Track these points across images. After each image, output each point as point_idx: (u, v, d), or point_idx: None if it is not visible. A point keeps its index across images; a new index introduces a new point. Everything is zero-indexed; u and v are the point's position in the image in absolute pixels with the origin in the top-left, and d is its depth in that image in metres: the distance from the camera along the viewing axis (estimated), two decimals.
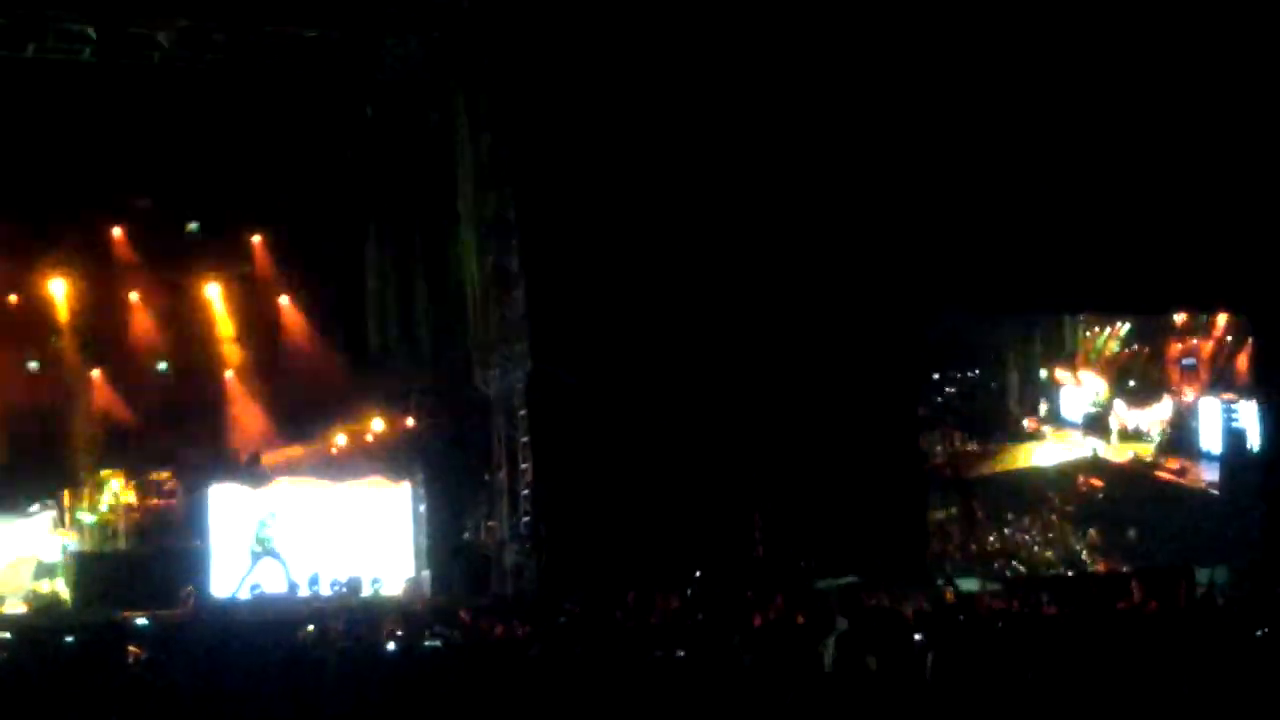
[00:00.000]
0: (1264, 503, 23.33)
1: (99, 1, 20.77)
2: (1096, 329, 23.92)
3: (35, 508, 21.58)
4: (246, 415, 24.31)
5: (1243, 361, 24.03)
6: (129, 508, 22.00)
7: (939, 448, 23.11)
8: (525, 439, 22.20)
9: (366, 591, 21.52)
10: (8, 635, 15.23)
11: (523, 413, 22.22)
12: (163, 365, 24.26)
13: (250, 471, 23.09)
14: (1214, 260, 22.79)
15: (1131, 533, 22.91)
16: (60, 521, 21.54)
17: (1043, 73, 22.02)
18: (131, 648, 12.97)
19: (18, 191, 22.36)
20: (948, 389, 23.56)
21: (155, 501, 22.21)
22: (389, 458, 23.74)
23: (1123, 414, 23.72)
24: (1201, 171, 22.48)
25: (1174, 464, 23.62)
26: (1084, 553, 22.94)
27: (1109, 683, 9.98)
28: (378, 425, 24.17)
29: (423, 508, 22.98)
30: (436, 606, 19.39)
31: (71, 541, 21.37)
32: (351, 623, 15.62)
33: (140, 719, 10.38)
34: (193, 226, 24.27)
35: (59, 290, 23.90)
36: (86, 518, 21.73)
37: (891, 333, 22.65)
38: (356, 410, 24.28)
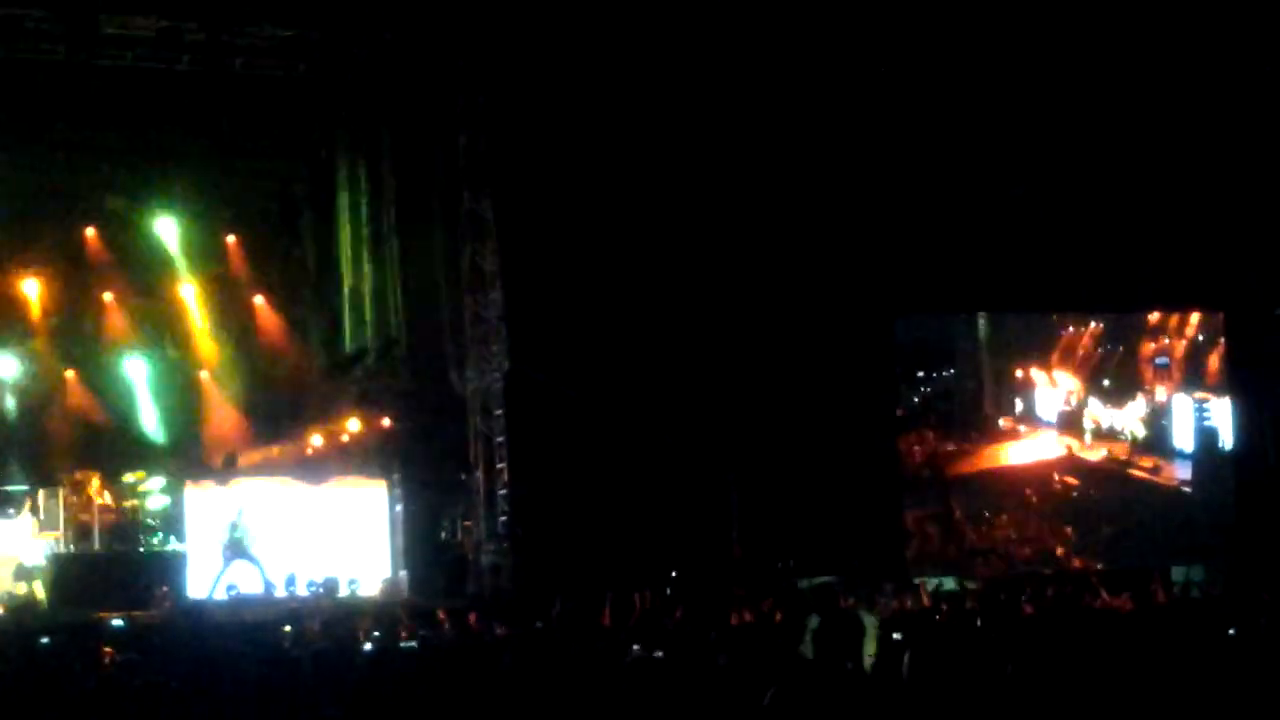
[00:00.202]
0: (1235, 500, 23.47)
1: (73, 1, 20.69)
2: (1071, 328, 23.99)
3: (11, 510, 21.51)
4: (222, 416, 24.22)
5: (1214, 361, 24.15)
6: (104, 508, 21.92)
7: (916, 448, 23.14)
8: (502, 439, 22.19)
9: (343, 592, 21.48)
10: None
11: (499, 413, 22.20)
12: (137, 365, 24.15)
13: (226, 472, 23.03)
14: (1188, 259, 22.90)
15: (1106, 530, 23.03)
16: (44, 525, 21.46)
17: (1015, 72, 22.09)
18: (106, 649, 12.93)
19: None
20: (924, 389, 23.60)
21: (131, 502, 22.14)
22: (365, 458, 23.69)
23: (1097, 413, 23.80)
24: (1175, 171, 22.57)
25: (1148, 462, 23.74)
26: (1060, 550, 23.03)
27: (1086, 681, 9.99)
28: (354, 425, 24.11)
29: (399, 508, 22.95)
30: (413, 607, 19.37)
31: (52, 543, 21.30)
32: (328, 623, 15.60)
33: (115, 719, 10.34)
34: (165, 226, 24.17)
35: (32, 290, 23.78)
36: (61, 518, 21.63)
37: (866, 333, 22.70)
38: (332, 410, 24.22)
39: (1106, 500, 23.33)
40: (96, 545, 21.71)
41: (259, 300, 24.68)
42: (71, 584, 20.55)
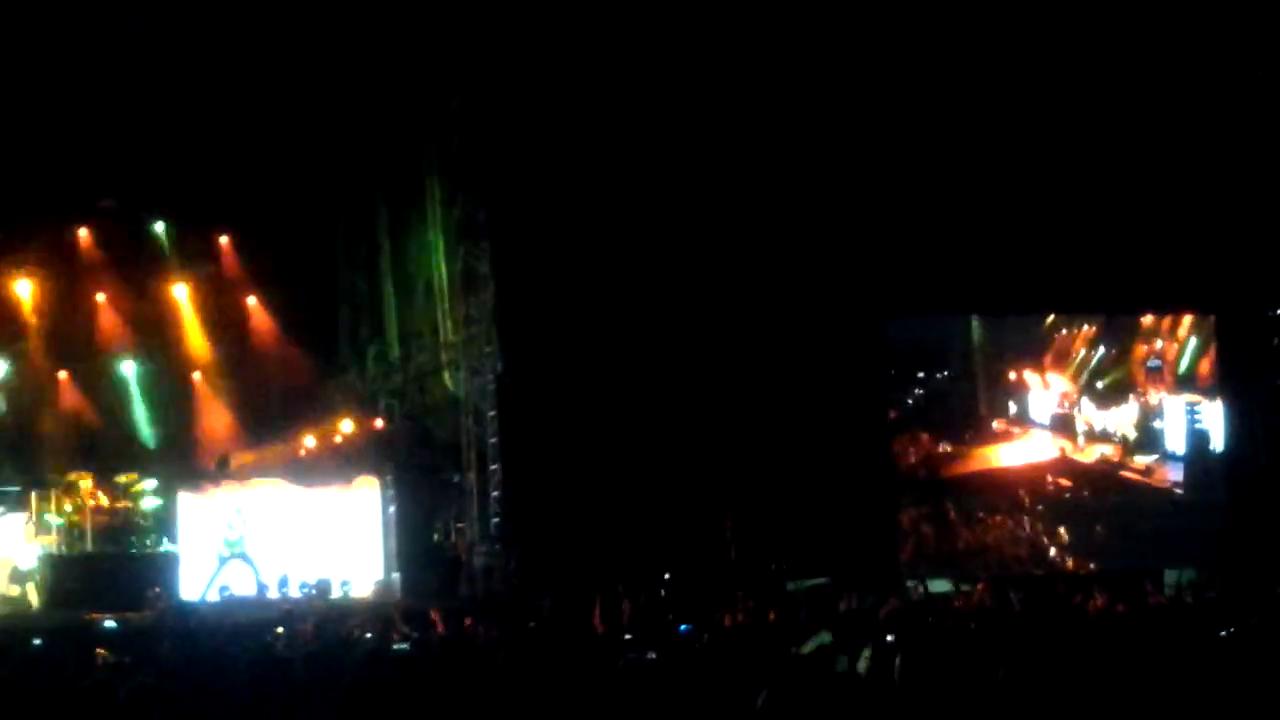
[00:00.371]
0: (1227, 501, 23.52)
1: (67, 1, 20.68)
2: (1064, 331, 24.02)
3: (2, 510, 21.49)
4: (214, 416, 24.23)
5: (1205, 364, 24.20)
6: (97, 510, 21.90)
7: (911, 449, 23.17)
8: (494, 440, 22.19)
9: (336, 593, 21.48)
10: None
11: (492, 414, 22.20)
12: (130, 366, 24.14)
13: (219, 473, 23.02)
14: (1180, 262, 22.92)
15: (1099, 531, 23.08)
16: (38, 527, 21.44)
17: (1008, 74, 22.09)
18: (99, 650, 12.91)
19: None
20: (918, 391, 23.62)
21: (123, 504, 22.13)
22: (358, 459, 23.70)
23: (1089, 415, 23.83)
24: (1168, 174, 22.58)
25: (1140, 464, 23.77)
26: (1053, 551, 23.09)
27: (1079, 684, 10.00)
28: (347, 426, 24.12)
29: (392, 509, 22.95)
30: (406, 608, 19.36)
31: (47, 546, 21.28)
32: (320, 625, 15.59)
33: None
34: (158, 227, 24.15)
35: (25, 291, 23.77)
36: (54, 520, 21.61)
37: (860, 335, 22.70)
38: (325, 411, 24.23)
39: (1099, 502, 23.37)
40: (89, 547, 21.70)
41: (252, 301, 24.69)
42: (64, 586, 20.54)
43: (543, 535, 21.47)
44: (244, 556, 21.46)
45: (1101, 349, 24.12)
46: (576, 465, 21.48)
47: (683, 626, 14.18)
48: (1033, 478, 23.33)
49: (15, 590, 20.69)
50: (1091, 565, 22.56)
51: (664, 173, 21.80)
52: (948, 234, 22.32)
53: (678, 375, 21.80)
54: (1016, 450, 23.36)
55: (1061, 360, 23.99)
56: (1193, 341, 24.24)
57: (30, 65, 21.50)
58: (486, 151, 22.12)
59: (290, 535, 22.10)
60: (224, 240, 24.65)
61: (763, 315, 22.17)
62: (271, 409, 24.30)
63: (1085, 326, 24.13)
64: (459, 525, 22.78)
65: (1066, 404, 23.81)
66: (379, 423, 24.11)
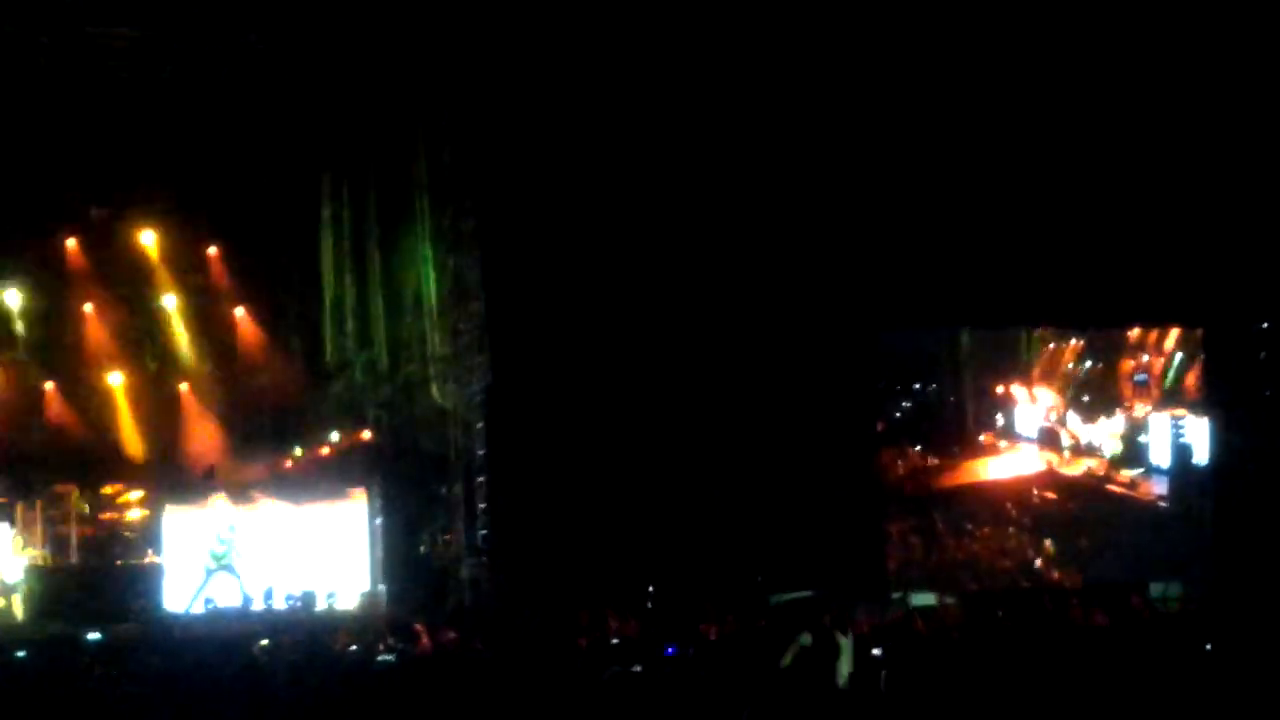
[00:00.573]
0: (1210, 515, 23.60)
1: (53, 10, 20.65)
2: (1052, 345, 24.09)
3: None
4: (202, 428, 24.18)
5: (1191, 378, 24.28)
6: (83, 521, 21.87)
7: (899, 462, 23.23)
8: (482, 452, 22.18)
9: (321, 605, 21.46)
10: None
11: (480, 426, 22.20)
12: (117, 377, 24.10)
13: (205, 485, 22.99)
14: (1168, 276, 22.96)
15: (1085, 543, 23.16)
16: (31, 542, 21.41)
17: (996, 90, 22.14)
18: (84, 662, 12.92)
19: None
20: (905, 404, 23.67)
21: (109, 515, 22.09)
22: (345, 470, 23.67)
23: (1076, 429, 23.89)
24: (1156, 189, 22.63)
25: (1125, 477, 23.84)
26: (1039, 563, 23.15)
27: (1065, 695, 10.05)
28: (334, 438, 24.09)
29: (378, 521, 22.93)
30: (392, 620, 19.36)
31: (33, 558, 21.25)
32: (306, 637, 15.60)
33: None
34: (146, 237, 24.12)
35: (13, 301, 23.74)
36: (40, 531, 21.57)
37: (848, 347, 22.72)
38: (313, 423, 24.21)
39: (1085, 514, 23.42)
40: (75, 558, 21.66)
41: (240, 312, 24.65)
42: (49, 597, 20.50)
43: (529, 547, 21.45)
44: (229, 568, 21.43)
45: (1088, 363, 24.19)
46: (564, 477, 21.47)
47: (670, 649, 14.19)
48: (1020, 491, 23.39)
49: (1, 602, 20.64)
50: (1078, 578, 22.61)
51: (654, 186, 21.81)
52: (936, 247, 22.34)
53: (665, 388, 21.81)
54: (1004, 463, 23.42)
55: (1048, 374, 24.05)
56: (1179, 356, 24.30)
57: (16, 75, 21.49)
58: (476, 163, 22.12)
59: (276, 547, 22.07)
60: (212, 251, 24.60)
61: (751, 328, 22.18)
62: (259, 420, 24.25)
63: (1072, 341, 24.20)
64: (446, 537, 22.77)
65: (1053, 418, 23.88)
66: (367, 434, 24.08)
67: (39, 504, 21.78)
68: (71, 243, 23.90)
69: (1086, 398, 23.99)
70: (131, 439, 23.86)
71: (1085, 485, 23.59)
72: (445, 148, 22.34)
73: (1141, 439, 23.95)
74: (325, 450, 24.13)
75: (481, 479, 22.12)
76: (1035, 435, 23.67)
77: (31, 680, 12.57)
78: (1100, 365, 24.22)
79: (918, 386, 23.81)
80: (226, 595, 21.18)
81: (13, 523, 21.52)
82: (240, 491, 22.81)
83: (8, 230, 23.12)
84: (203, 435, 24.20)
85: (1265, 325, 24.27)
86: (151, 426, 23.99)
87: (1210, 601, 20.08)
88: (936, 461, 23.28)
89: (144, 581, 21.01)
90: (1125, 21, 21.83)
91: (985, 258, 22.43)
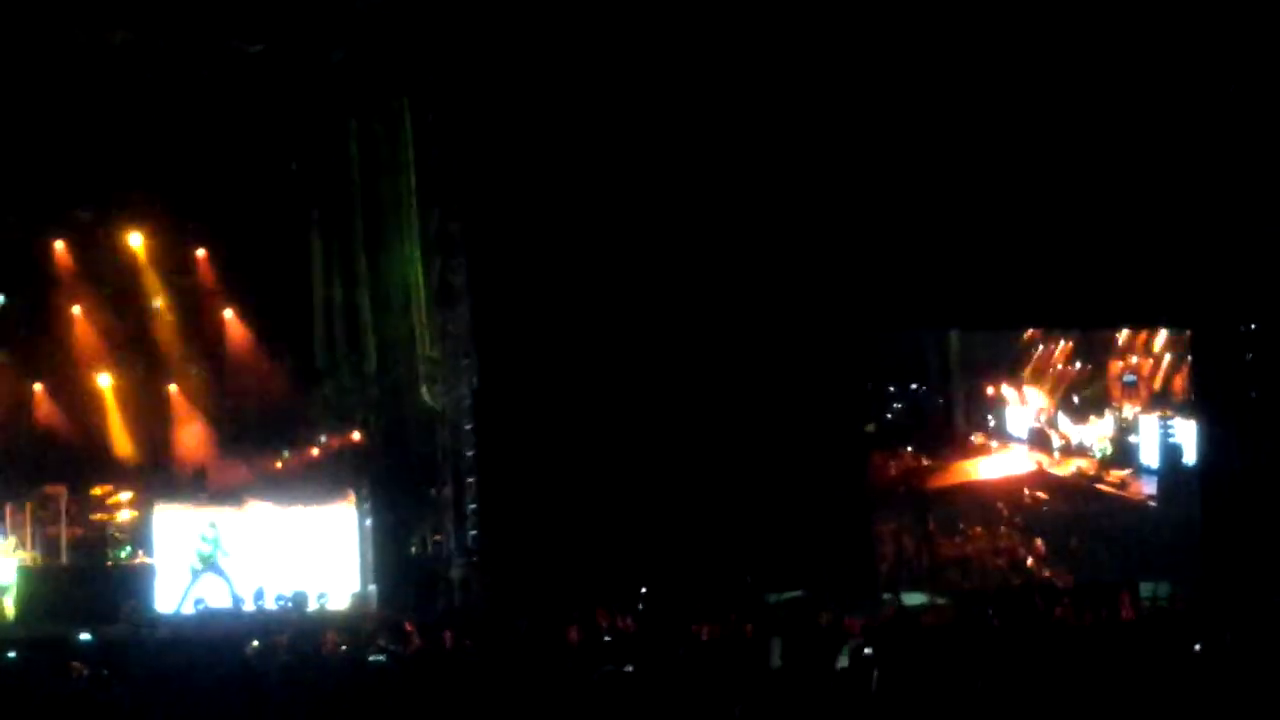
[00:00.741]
0: (1198, 514, 23.71)
1: (40, 13, 20.61)
2: (1042, 346, 24.18)
3: None
4: (191, 429, 24.12)
5: (1179, 380, 24.38)
6: (72, 522, 21.81)
7: (891, 462, 23.33)
8: (471, 453, 22.17)
9: (312, 606, 21.41)
10: None
11: (469, 427, 22.19)
12: (106, 379, 24.04)
13: (194, 487, 22.96)
14: (1157, 277, 23.03)
15: (1075, 541, 23.27)
16: (22, 543, 21.36)
17: (988, 89, 22.18)
18: (74, 664, 12.87)
19: None
20: (896, 405, 23.74)
21: (99, 516, 22.03)
22: (335, 472, 23.63)
23: (1066, 429, 23.98)
24: (1145, 190, 22.70)
25: (1115, 477, 23.95)
26: (1030, 561, 23.26)
27: (1055, 695, 10.06)
28: (323, 440, 24.04)
29: (369, 522, 22.90)
30: (382, 621, 19.34)
31: (23, 559, 21.19)
32: (296, 637, 15.57)
33: None
34: (134, 239, 24.06)
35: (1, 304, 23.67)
36: (29, 533, 21.52)
37: (837, 349, 22.76)
38: (302, 424, 24.16)
39: (1075, 513, 23.57)
40: (64, 559, 21.61)
41: (229, 314, 24.60)
42: (39, 598, 20.45)
43: (520, 548, 21.45)
44: (217, 569, 21.39)
45: (1078, 364, 24.28)
46: (554, 478, 21.48)
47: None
48: (1011, 491, 23.51)
49: None
50: (1068, 576, 22.71)
51: (642, 187, 21.83)
52: (926, 249, 22.39)
53: (655, 389, 21.83)
54: (995, 464, 23.53)
55: (1039, 375, 24.14)
56: (1168, 357, 24.39)
57: (3, 77, 21.44)
58: (463, 166, 22.11)
59: (266, 548, 22.03)
60: (200, 253, 24.55)
61: (741, 329, 22.21)
62: (248, 422, 24.19)
63: (1062, 342, 24.29)
64: (436, 538, 22.72)
65: (1043, 418, 23.96)
66: (356, 435, 24.04)
67: (28, 505, 21.72)
68: (59, 244, 23.82)
69: (1076, 399, 24.10)
70: (121, 440, 23.79)
71: (1075, 485, 23.72)
72: (432, 150, 22.31)
73: (1131, 439, 24.08)
74: (314, 452, 24.08)
75: (471, 480, 22.10)
76: (1026, 436, 23.78)
77: (21, 681, 12.54)
78: (1090, 366, 24.32)
79: (909, 388, 23.88)
80: (217, 596, 21.13)
81: (2, 524, 21.47)
82: (229, 492, 22.79)
83: None
84: (191, 437, 24.14)
85: (1253, 326, 24.35)
86: (140, 428, 23.92)
87: (1199, 601, 20.14)
88: (928, 462, 23.39)
89: (134, 582, 20.94)
90: (1114, 28, 21.89)
91: (975, 260, 22.47)
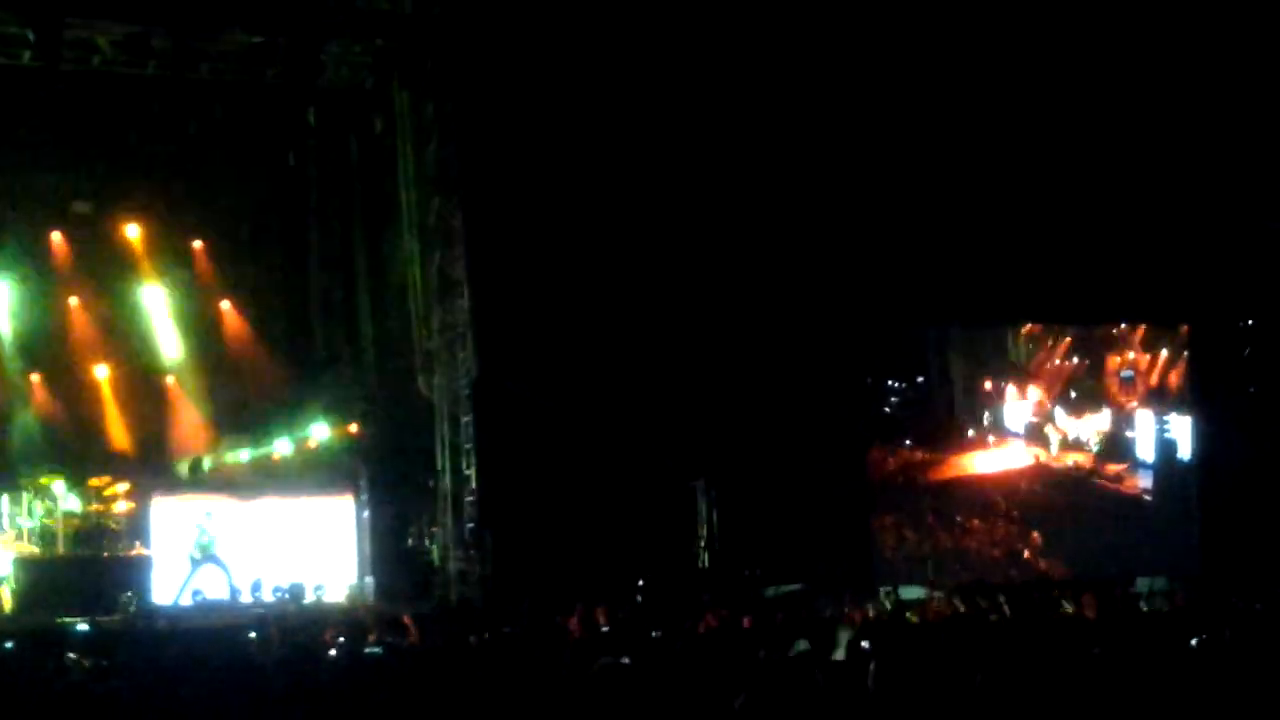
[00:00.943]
0: (1194, 508, 23.77)
1: (38, 5, 20.58)
2: (1040, 342, 24.23)
3: None
4: (188, 421, 24.12)
5: (1174, 377, 24.41)
6: (70, 513, 21.81)
7: (890, 457, 23.39)
8: (469, 445, 22.17)
9: (309, 598, 21.43)
10: None
11: (467, 419, 22.19)
12: (103, 370, 24.03)
13: (192, 477, 22.95)
14: (1154, 273, 23.05)
15: (1071, 533, 23.40)
16: (19, 534, 21.34)
17: (986, 85, 22.18)
18: (71, 654, 12.86)
19: None
20: (894, 399, 23.78)
21: (96, 507, 22.03)
22: (333, 464, 23.64)
23: (1063, 424, 24.03)
24: (1143, 186, 22.71)
25: (1111, 471, 24.03)
26: (1027, 553, 23.36)
27: (1052, 691, 10.02)
28: (321, 432, 24.05)
29: (366, 514, 22.91)
30: (380, 613, 19.33)
31: (20, 550, 21.19)
32: (293, 629, 15.56)
33: None
34: (131, 231, 24.03)
35: None
36: (26, 523, 21.51)
37: (837, 343, 22.77)
38: (300, 416, 24.15)
39: (1072, 506, 23.68)
40: (61, 550, 21.61)
41: (226, 305, 24.61)
42: (36, 589, 20.45)
43: (517, 540, 21.46)
44: (216, 560, 21.40)
45: (1075, 360, 24.33)
46: (552, 470, 21.48)
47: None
48: (1008, 484, 23.61)
49: None
50: (1065, 569, 22.80)
51: (641, 180, 21.82)
52: (925, 245, 22.40)
53: (653, 381, 21.83)
54: (993, 458, 23.63)
55: (1037, 371, 24.17)
56: (1165, 353, 24.44)
57: (2, 68, 21.44)
58: (462, 158, 22.10)
59: (264, 540, 22.05)
60: (197, 245, 24.54)
61: (741, 323, 22.21)
62: (246, 413, 24.21)
63: (1060, 338, 24.33)
64: (433, 530, 22.75)
65: (1041, 413, 24.01)
66: (354, 427, 24.04)
67: (25, 497, 21.72)
68: (56, 236, 23.81)
69: (1074, 394, 24.15)
70: (118, 431, 23.81)
71: (1072, 478, 23.81)
72: (431, 140, 22.30)
73: (1127, 434, 24.13)
74: (312, 444, 24.08)
75: (469, 472, 22.11)
76: (1023, 430, 23.84)
77: (18, 672, 12.51)
78: (1087, 362, 24.36)
79: (908, 383, 23.91)
80: (215, 587, 21.13)
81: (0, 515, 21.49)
82: (226, 484, 22.79)
83: None
84: (189, 428, 24.15)
85: (1250, 322, 24.37)
86: (138, 419, 23.94)
87: (1196, 596, 20.14)
88: (926, 456, 23.44)
89: (132, 573, 20.94)
90: (1112, 26, 21.89)
91: (974, 256, 22.49)
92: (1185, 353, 24.43)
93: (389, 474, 23.43)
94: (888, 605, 17.87)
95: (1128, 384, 24.40)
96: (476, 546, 21.73)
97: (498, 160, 21.85)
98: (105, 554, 21.52)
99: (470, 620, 16.59)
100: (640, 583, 20.40)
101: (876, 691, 10.15)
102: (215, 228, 24.39)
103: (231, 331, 24.61)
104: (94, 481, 22.17)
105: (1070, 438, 24.01)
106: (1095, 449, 24.05)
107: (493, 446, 22.00)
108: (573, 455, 21.52)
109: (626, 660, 11.85)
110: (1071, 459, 23.92)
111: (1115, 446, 24.10)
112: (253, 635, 15.31)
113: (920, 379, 23.96)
